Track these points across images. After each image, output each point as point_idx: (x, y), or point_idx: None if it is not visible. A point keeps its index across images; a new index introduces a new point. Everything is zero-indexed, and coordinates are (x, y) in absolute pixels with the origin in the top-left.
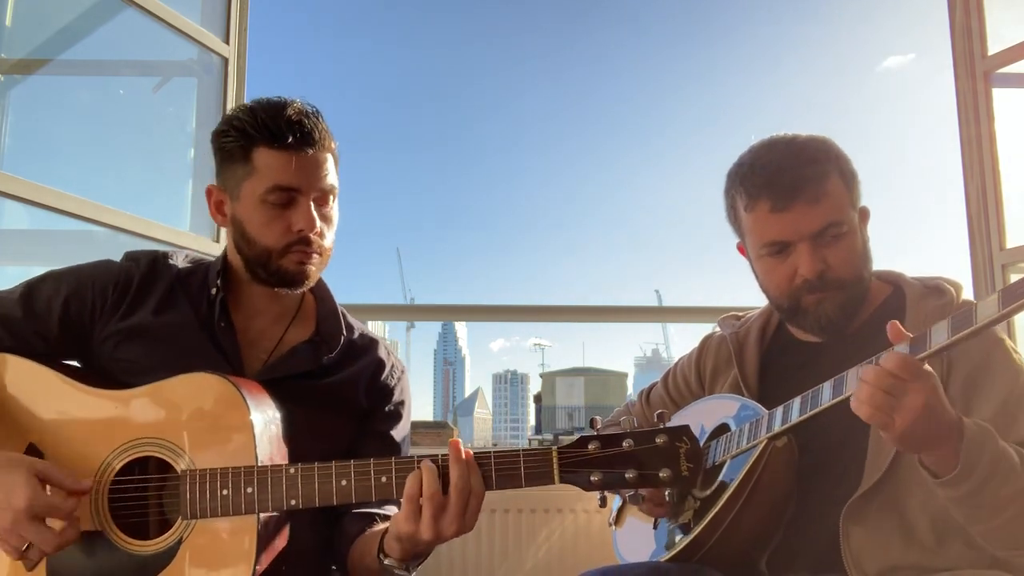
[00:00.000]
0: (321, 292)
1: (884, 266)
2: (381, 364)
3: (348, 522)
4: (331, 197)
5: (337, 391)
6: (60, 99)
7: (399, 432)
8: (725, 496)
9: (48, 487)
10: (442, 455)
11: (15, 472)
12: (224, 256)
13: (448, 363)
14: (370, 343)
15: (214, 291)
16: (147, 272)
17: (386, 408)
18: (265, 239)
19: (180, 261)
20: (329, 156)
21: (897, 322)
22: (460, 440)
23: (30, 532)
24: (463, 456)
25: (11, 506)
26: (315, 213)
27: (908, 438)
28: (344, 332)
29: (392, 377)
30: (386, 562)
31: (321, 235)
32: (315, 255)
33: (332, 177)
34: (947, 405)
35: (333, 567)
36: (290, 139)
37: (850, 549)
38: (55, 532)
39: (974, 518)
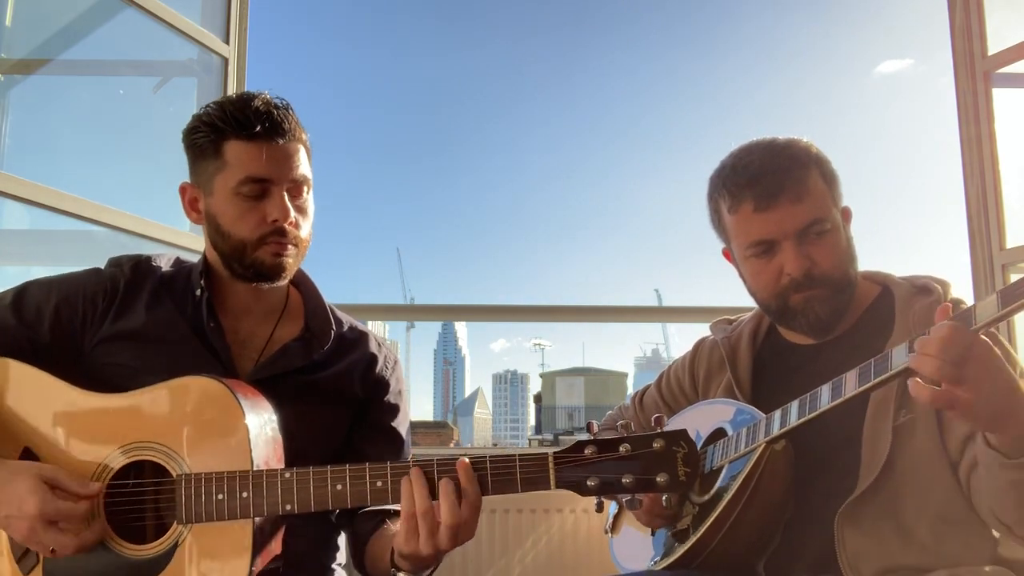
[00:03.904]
0: (306, 287)
1: (883, 267)
2: (374, 358)
3: (359, 522)
4: (305, 188)
5: (331, 385)
6: (60, 99)
7: (400, 423)
8: (724, 501)
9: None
10: (437, 458)
11: (23, 480)
12: (205, 257)
13: (448, 363)
14: (360, 336)
15: (199, 292)
16: (131, 277)
17: (384, 401)
18: (239, 231)
19: (164, 263)
20: (301, 147)
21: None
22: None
23: (48, 538)
24: (467, 469)
25: (24, 514)
26: (289, 204)
27: (979, 412)
28: (334, 326)
29: (386, 369)
30: None
31: (296, 226)
32: (291, 246)
33: (305, 168)
34: (1013, 374)
35: (332, 567)
36: (259, 128)
37: (846, 552)
38: (72, 535)
39: None
